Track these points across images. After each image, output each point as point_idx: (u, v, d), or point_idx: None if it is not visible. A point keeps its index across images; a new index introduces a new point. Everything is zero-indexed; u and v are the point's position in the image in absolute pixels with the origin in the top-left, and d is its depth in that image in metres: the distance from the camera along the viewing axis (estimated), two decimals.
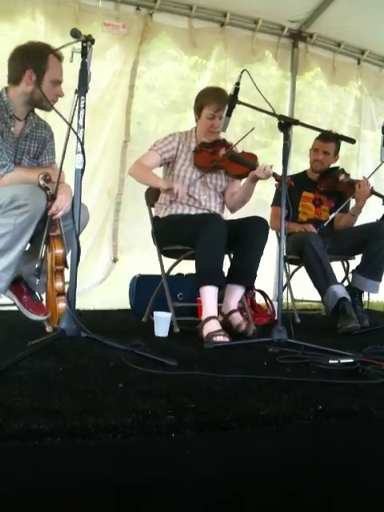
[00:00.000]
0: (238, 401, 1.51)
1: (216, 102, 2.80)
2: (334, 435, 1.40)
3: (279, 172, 2.66)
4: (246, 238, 2.67)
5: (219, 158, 2.84)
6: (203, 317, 2.48)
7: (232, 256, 2.84)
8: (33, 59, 2.28)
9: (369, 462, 1.37)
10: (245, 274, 2.70)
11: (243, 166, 2.86)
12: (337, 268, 3.28)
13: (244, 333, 2.59)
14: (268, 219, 3.05)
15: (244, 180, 2.91)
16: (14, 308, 2.44)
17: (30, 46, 2.32)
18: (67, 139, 1.98)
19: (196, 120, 2.97)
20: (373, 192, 3.26)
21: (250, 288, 2.83)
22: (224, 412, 1.38)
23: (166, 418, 1.32)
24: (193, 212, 2.86)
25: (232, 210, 3.05)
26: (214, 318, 2.45)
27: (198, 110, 2.91)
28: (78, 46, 1.94)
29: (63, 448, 1.17)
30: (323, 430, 1.41)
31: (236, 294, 2.72)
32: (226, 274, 2.68)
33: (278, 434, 1.36)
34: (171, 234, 2.78)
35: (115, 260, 3.84)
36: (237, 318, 2.66)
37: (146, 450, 1.22)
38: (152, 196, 3.06)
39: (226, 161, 2.87)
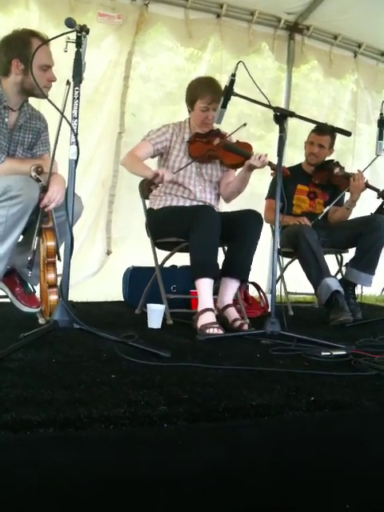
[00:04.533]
0: (230, 392, 1.51)
1: (209, 95, 2.79)
2: (326, 426, 1.41)
3: (274, 164, 2.66)
4: (240, 232, 2.67)
5: (214, 147, 2.83)
6: (198, 308, 2.48)
7: (226, 249, 2.84)
8: (16, 48, 2.25)
9: (360, 453, 1.38)
10: (239, 268, 2.70)
11: (238, 155, 2.85)
12: (330, 261, 3.29)
13: (239, 328, 2.59)
14: (262, 212, 3.06)
15: (239, 170, 2.90)
16: (7, 300, 2.43)
17: (13, 36, 2.29)
18: (59, 129, 1.96)
19: (189, 111, 2.95)
20: (367, 185, 3.27)
21: (244, 281, 2.84)
22: (217, 403, 1.39)
23: (159, 408, 1.32)
24: (187, 204, 2.86)
25: (227, 201, 3.05)
26: (209, 310, 2.45)
27: (191, 102, 2.88)
28: (73, 36, 1.92)
29: (55, 439, 1.17)
30: (315, 421, 1.42)
31: (231, 287, 2.72)
32: (220, 267, 2.69)
33: (271, 425, 1.37)
34: (165, 226, 2.78)
35: (109, 252, 3.83)
36: (232, 313, 2.66)
37: (138, 440, 1.23)
38: (146, 188, 3.02)
39: (221, 150, 2.86)
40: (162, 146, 2.88)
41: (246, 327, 2.58)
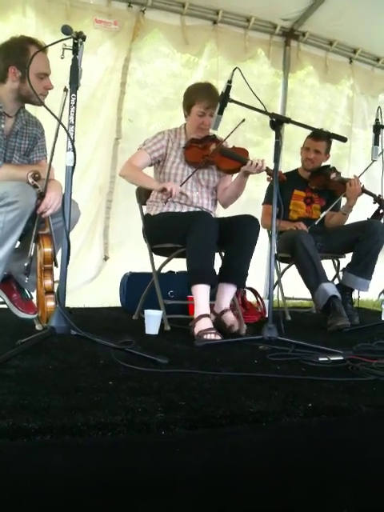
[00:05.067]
0: (228, 398, 1.51)
1: (207, 99, 2.79)
2: (324, 432, 1.41)
3: (271, 169, 2.66)
4: (237, 237, 2.67)
5: (210, 153, 2.84)
6: (195, 315, 2.48)
7: (223, 255, 2.84)
8: (14, 55, 2.26)
9: (358, 458, 1.38)
10: (236, 274, 2.70)
11: (235, 160, 2.85)
12: (327, 266, 3.29)
13: (237, 333, 2.59)
14: (259, 217, 3.06)
15: (236, 175, 2.91)
16: (4, 306, 2.42)
17: (11, 42, 2.30)
18: (56, 136, 1.96)
19: (185, 116, 2.95)
20: (364, 190, 3.28)
21: (241, 286, 2.84)
22: (214, 409, 1.39)
23: (156, 415, 1.32)
24: (185, 210, 2.85)
25: (224, 206, 3.05)
26: (205, 316, 2.45)
27: (188, 106, 2.88)
28: (69, 42, 1.93)
29: (52, 446, 1.16)
30: (313, 426, 1.42)
31: (228, 293, 2.72)
32: (217, 273, 2.69)
33: (268, 431, 1.36)
34: (162, 232, 2.78)
35: (106, 258, 3.83)
36: (230, 318, 2.66)
37: (135, 447, 1.22)
38: (143, 194, 3.05)
39: (218, 156, 2.87)
40: (159, 153, 2.88)
41: (243, 332, 2.58)
